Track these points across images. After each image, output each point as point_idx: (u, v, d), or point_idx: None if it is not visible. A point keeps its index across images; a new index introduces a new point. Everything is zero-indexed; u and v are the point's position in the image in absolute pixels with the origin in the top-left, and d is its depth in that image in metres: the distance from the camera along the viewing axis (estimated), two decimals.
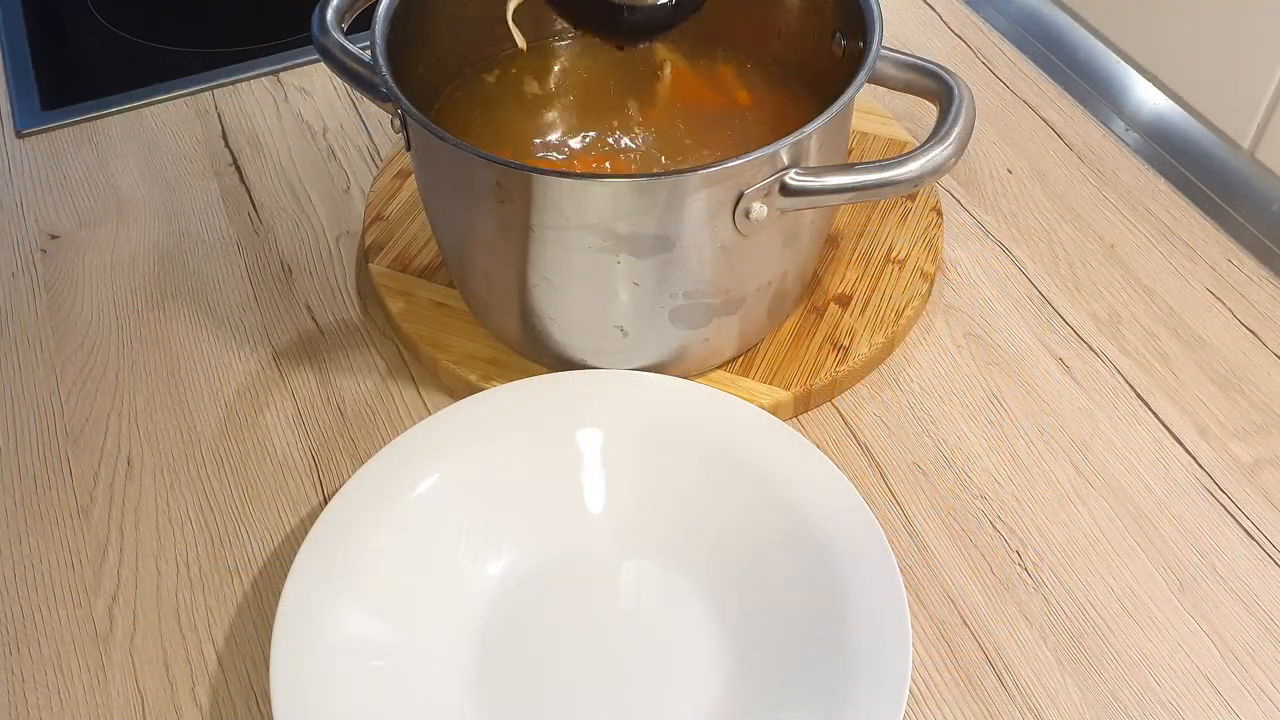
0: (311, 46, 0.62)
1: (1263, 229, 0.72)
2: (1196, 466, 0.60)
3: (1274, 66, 0.71)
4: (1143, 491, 0.59)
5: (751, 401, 0.60)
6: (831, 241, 0.70)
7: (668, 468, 0.58)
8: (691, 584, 0.55)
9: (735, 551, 0.55)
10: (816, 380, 0.63)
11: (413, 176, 0.74)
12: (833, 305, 0.67)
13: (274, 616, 0.51)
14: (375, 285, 0.68)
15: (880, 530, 0.53)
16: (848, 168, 0.54)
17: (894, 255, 0.69)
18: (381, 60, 0.57)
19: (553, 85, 0.70)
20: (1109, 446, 0.61)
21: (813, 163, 0.55)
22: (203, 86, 0.85)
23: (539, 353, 0.63)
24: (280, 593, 0.52)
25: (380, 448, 0.58)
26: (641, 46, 0.67)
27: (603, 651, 0.53)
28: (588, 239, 0.55)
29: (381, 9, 0.59)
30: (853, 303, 0.67)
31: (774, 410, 0.61)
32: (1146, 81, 0.81)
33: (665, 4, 0.60)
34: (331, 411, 0.65)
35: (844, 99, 0.55)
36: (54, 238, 0.75)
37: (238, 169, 0.79)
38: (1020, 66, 0.85)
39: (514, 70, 0.70)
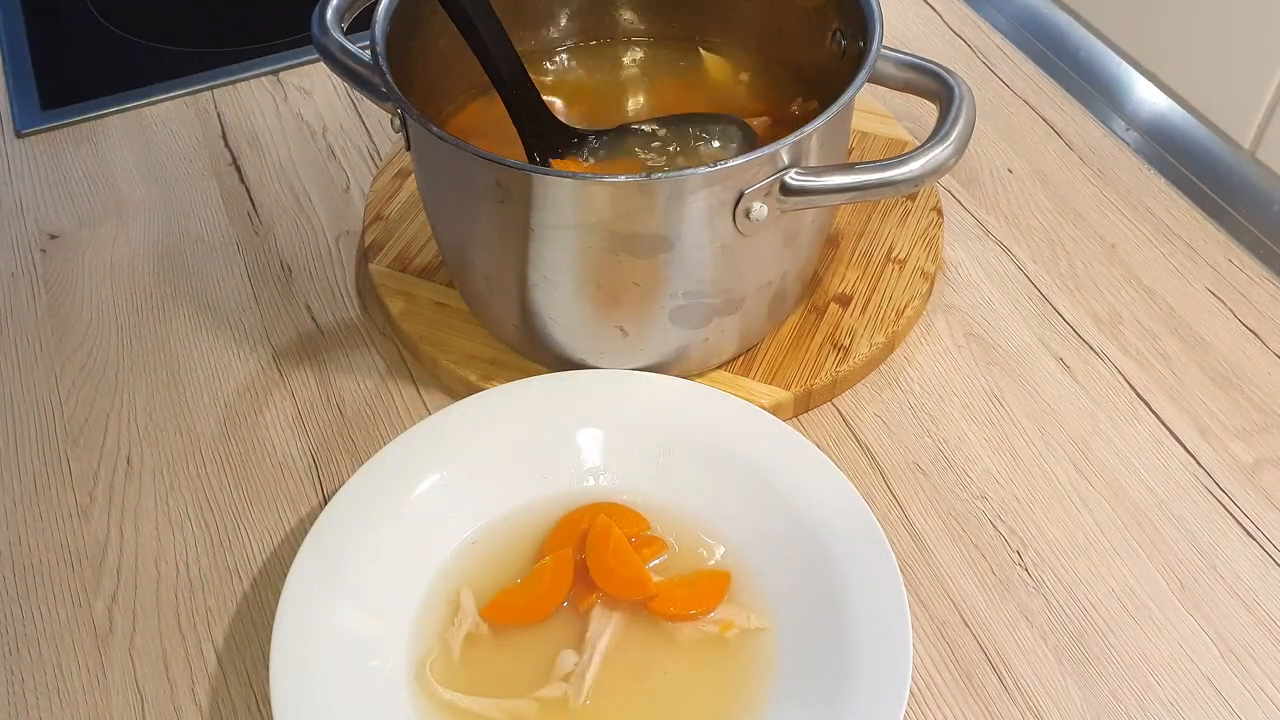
0: (311, 46, 0.62)
1: (1264, 229, 0.72)
2: (1197, 466, 0.60)
3: (1275, 66, 0.71)
4: (1143, 491, 0.59)
5: (751, 401, 0.60)
6: (832, 241, 0.70)
7: (668, 468, 0.58)
8: None
9: (735, 551, 0.55)
10: (817, 380, 0.63)
11: (413, 176, 0.74)
12: (833, 305, 0.66)
13: (274, 616, 0.51)
14: (375, 285, 0.68)
15: (880, 530, 0.53)
16: (848, 167, 0.54)
17: (894, 255, 0.69)
18: (381, 60, 0.57)
19: (553, 86, 0.70)
20: (1109, 446, 0.61)
21: (813, 162, 0.55)
22: (202, 86, 0.85)
23: (539, 353, 0.63)
24: (280, 593, 0.52)
25: (380, 448, 0.57)
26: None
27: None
28: (588, 239, 0.55)
29: (381, 9, 0.59)
30: (853, 302, 0.67)
31: (774, 410, 0.61)
32: (1147, 81, 0.81)
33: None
34: (331, 411, 0.65)
35: (844, 99, 0.55)
36: (54, 237, 0.75)
37: (237, 169, 0.79)
38: (1020, 66, 0.85)
39: None
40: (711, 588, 0.54)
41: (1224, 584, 0.56)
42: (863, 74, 0.56)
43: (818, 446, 0.57)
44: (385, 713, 0.50)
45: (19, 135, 0.82)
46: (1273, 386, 0.64)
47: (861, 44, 0.58)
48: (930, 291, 0.68)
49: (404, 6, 0.60)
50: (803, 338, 0.65)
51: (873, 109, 0.78)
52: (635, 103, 0.69)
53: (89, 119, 0.83)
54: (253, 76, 0.86)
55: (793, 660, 0.51)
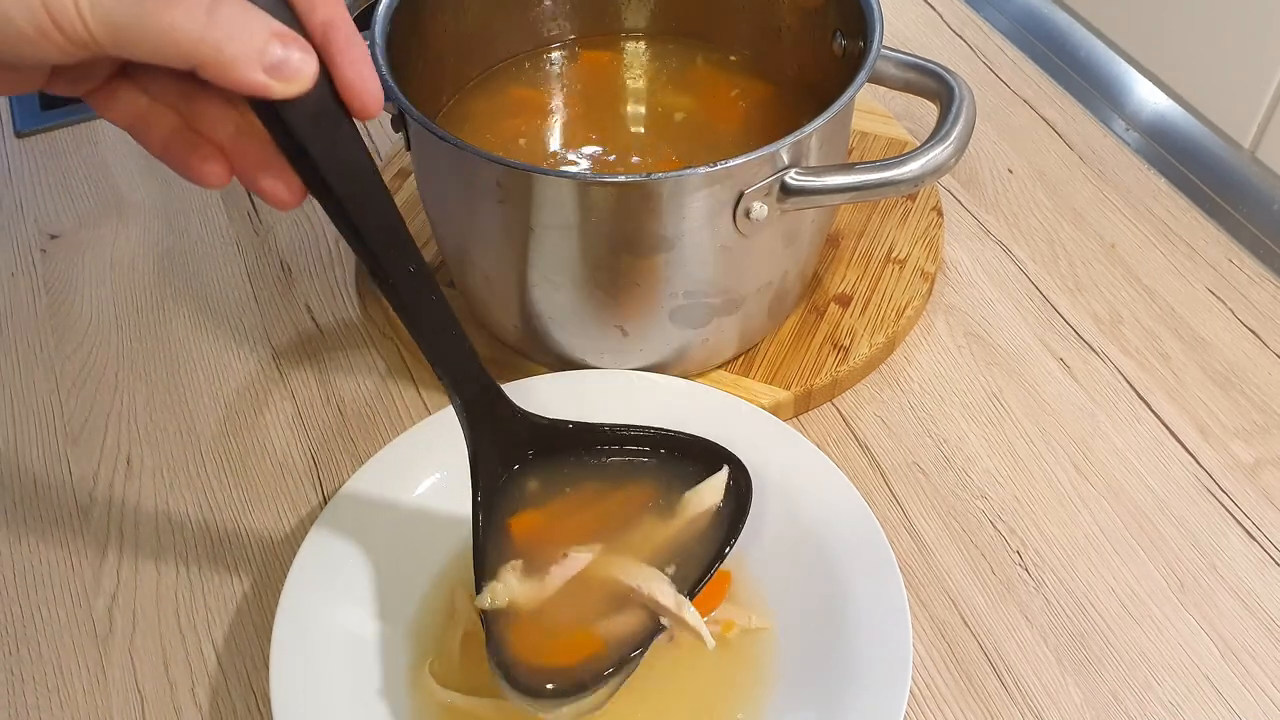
0: None
1: (1263, 228, 0.72)
2: (1197, 466, 0.60)
3: (1275, 66, 0.71)
4: (1143, 491, 0.59)
5: (752, 401, 0.60)
6: (832, 241, 0.70)
7: None
8: None
9: (735, 552, 0.55)
10: (817, 380, 0.63)
11: (413, 176, 0.74)
12: (833, 305, 0.66)
13: (274, 616, 0.51)
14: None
15: (880, 530, 0.53)
16: (848, 167, 0.54)
17: (894, 255, 0.69)
18: (381, 60, 0.57)
19: (553, 86, 0.70)
20: (1109, 446, 0.61)
21: (813, 162, 0.55)
22: None
23: (539, 353, 0.63)
24: (280, 593, 0.52)
25: (380, 448, 0.57)
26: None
27: None
28: (588, 239, 0.55)
29: (381, 9, 0.59)
30: (853, 302, 0.67)
31: (774, 410, 0.61)
32: (1147, 81, 0.81)
33: None
34: (331, 411, 0.65)
35: (844, 99, 0.55)
36: (54, 238, 0.75)
37: None
38: (1021, 66, 0.85)
39: (514, 72, 0.70)
40: (712, 588, 0.54)
41: (1224, 584, 0.56)
42: (863, 74, 0.56)
43: (818, 446, 0.57)
44: (385, 713, 0.50)
45: (19, 135, 0.82)
46: (1273, 386, 0.64)
47: (861, 44, 0.58)
48: (930, 291, 0.68)
49: (404, 6, 0.60)
50: (803, 338, 0.65)
51: (873, 109, 0.78)
52: (633, 102, 0.69)
53: (89, 119, 0.83)
54: None
55: (793, 660, 0.51)
